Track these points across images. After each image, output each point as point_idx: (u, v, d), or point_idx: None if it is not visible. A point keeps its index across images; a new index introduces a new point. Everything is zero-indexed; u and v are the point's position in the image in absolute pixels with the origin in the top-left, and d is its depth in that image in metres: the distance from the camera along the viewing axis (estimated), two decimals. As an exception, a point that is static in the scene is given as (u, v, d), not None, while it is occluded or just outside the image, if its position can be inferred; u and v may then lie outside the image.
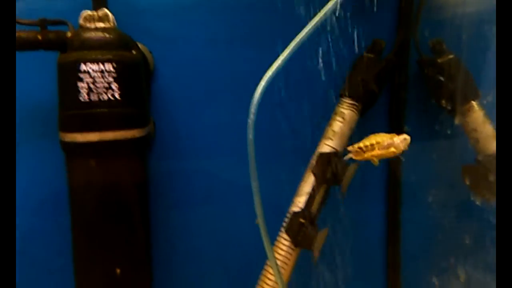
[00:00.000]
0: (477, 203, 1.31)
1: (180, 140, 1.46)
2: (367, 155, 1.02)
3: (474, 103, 1.33)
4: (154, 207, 1.35)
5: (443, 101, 1.34)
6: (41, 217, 1.34)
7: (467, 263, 1.36)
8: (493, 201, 1.23)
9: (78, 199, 1.18)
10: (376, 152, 1.00)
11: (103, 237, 1.18)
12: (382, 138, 1.00)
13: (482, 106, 1.33)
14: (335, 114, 1.39)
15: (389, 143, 0.97)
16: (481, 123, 1.33)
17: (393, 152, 0.98)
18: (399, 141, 0.97)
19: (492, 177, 1.28)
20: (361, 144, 1.06)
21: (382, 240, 1.51)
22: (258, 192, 1.28)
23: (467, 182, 1.35)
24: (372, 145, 1.01)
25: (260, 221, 1.28)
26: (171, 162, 1.44)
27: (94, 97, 1.09)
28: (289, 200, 1.36)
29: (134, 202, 1.22)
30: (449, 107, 1.33)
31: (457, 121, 1.32)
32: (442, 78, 1.33)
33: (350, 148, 1.13)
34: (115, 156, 1.16)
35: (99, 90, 1.10)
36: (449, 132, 1.40)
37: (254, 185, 1.27)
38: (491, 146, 1.32)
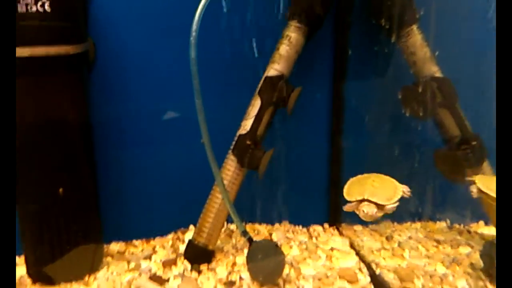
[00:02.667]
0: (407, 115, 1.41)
1: (123, 61, 1.41)
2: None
3: (413, 26, 1.37)
4: (99, 132, 1.32)
5: (382, 20, 1.37)
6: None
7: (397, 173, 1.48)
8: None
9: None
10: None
11: (41, 158, 1.14)
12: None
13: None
14: (282, 37, 1.38)
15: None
16: (419, 46, 1.38)
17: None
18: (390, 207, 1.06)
19: (427, 98, 1.37)
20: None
21: (325, 159, 1.58)
22: (202, 110, 1.28)
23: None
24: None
25: (205, 139, 1.30)
26: (114, 85, 1.40)
27: (21, 8, 1.00)
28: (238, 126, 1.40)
29: (73, 123, 1.18)
30: (387, 26, 1.36)
31: (393, 39, 1.37)
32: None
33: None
34: (49, 74, 1.10)
35: (27, 1, 1.01)
36: (387, 51, 1.45)
37: (198, 102, 1.26)
38: (428, 68, 1.38)
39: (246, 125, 1.38)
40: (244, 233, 1.25)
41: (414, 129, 1.52)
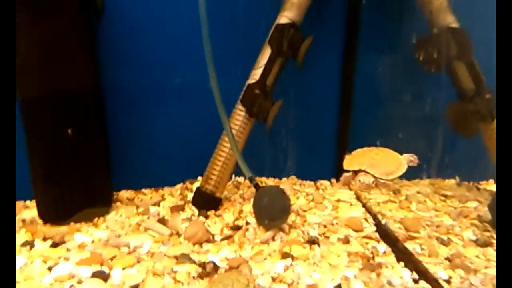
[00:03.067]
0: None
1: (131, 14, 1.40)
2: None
3: (430, -26, 1.33)
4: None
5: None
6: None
7: (408, 128, 1.46)
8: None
9: (22, 60, 1.12)
10: None
11: (48, 97, 1.15)
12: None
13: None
14: (294, -15, 1.35)
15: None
16: (435, -5, 1.34)
17: None
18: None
19: (442, 49, 1.33)
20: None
21: (334, 111, 1.56)
22: (211, 54, 1.27)
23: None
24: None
25: (213, 83, 1.29)
26: (124, 32, 1.39)
27: None
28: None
29: (81, 64, 1.18)
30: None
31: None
32: None
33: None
34: (56, 10, 1.09)
35: None
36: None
37: (206, 45, 1.25)
38: (444, 18, 1.34)
39: (256, 74, 1.37)
40: (251, 179, 1.26)
41: (427, 82, 1.50)
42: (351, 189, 1.52)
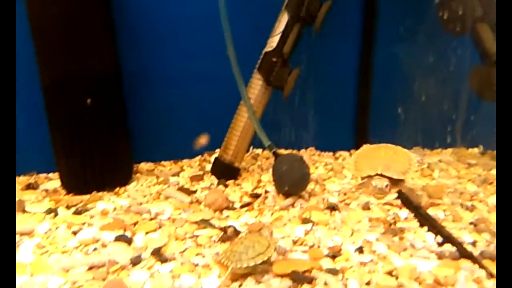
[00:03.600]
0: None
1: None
2: None
3: None
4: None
5: None
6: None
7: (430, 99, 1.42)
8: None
9: (38, 27, 1.14)
10: None
11: (67, 64, 1.16)
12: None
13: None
14: None
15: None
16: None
17: None
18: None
19: (467, 9, 1.28)
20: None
21: (354, 81, 1.54)
22: (227, 19, 1.26)
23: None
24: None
25: (230, 52, 1.28)
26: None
27: None
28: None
29: (99, 31, 1.18)
30: None
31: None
32: None
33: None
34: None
35: None
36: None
37: (222, 11, 1.23)
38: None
39: (273, 42, 1.34)
40: (270, 147, 1.25)
41: (450, 45, 1.45)
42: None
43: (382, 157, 0.89)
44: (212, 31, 1.34)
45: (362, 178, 0.87)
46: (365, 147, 0.95)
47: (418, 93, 1.47)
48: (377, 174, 0.87)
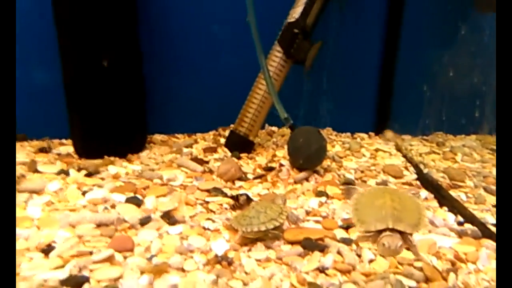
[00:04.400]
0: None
1: None
2: None
3: None
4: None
5: None
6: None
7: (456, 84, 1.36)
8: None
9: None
10: None
11: (84, 27, 1.13)
12: None
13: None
14: None
15: None
16: None
17: None
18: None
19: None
20: None
21: (377, 63, 1.48)
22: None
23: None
24: None
25: (251, 18, 1.25)
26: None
27: None
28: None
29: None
30: None
31: None
32: None
33: None
34: None
35: None
36: None
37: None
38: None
39: (295, 13, 1.30)
40: (287, 120, 1.22)
41: (478, 24, 1.38)
42: (390, 140, 1.46)
43: (389, 206, 0.69)
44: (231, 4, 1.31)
45: (368, 232, 0.66)
46: (365, 191, 0.76)
47: (444, 78, 1.41)
48: (387, 229, 0.65)
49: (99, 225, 0.88)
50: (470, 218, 0.95)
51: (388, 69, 1.48)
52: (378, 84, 1.51)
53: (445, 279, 0.74)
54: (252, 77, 1.31)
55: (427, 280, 0.74)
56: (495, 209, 1.00)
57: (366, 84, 1.51)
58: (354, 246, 0.82)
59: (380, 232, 0.62)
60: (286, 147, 1.22)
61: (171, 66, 1.45)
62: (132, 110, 1.28)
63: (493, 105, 1.46)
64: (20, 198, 0.98)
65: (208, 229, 0.89)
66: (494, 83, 1.40)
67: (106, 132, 1.24)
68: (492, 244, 0.83)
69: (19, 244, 0.80)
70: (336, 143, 1.41)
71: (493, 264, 0.78)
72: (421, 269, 0.75)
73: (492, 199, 1.05)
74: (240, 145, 1.31)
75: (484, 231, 0.89)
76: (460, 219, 0.95)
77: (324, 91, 1.50)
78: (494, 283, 0.74)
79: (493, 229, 0.90)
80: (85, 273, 0.73)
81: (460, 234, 0.88)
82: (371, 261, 0.78)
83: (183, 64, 1.45)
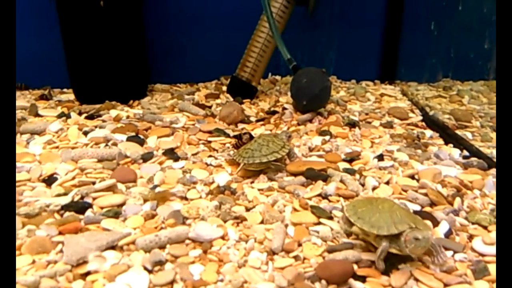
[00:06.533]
0: None
1: None
2: None
3: None
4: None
5: None
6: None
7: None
8: None
9: None
10: None
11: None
12: None
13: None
14: None
15: None
16: None
17: None
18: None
19: None
20: None
21: (383, 5, 1.43)
22: None
23: None
24: None
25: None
26: None
27: None
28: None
29: None
30: None
31: None
32: None
33: None
34: None
35: None
36: None
37: None
38: None
39: (298, -49, 1.26)
40: (290, 61, 1.18)
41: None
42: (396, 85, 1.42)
43: (396, 208, 0.61)
44: None
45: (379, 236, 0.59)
46: (351, 202, 0.69)
47: (450, 23, 1.36)
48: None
49: (100, 160, 0.87)
50: (475, 152, 0.94)
51: (395, 15, 1.43)
52: (384, 29, 1.46)
53: (450, 203, 0.73)
54: (254, 23, 1.27)
55: (432, 204, 0.73)
56: (502, 145, 0.99)
57: (371, 28, 1.45)
58: (357, 176, 0.81)
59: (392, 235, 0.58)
60: (289, 86, 1.20)
61: (173, 15, 1.41)
62: (132, 54, 1.25)
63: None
64: (21, 138, 0.98)
65: (211, 165, 0.89)
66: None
67: (106, 77, 1.22)
68: (498, 173, 0.83)
69: (21, 176, 0.80)
70: (340, 89, 1.39)
71: (499, 190, 0.77)
72: (425, 194, 0.74)
73: (499, 137, 1.03)
74: (243, 90, 1.29)
75: (490, 164, 0.88)
76: (466, 153, 0.94)
77: (328, 38, 1.46)
78: (499, 207, 0.73)
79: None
80: (88, 200, 0.74)
81: (466, 166, 0.87)
82: (374, 188, 0.77)
83: (184, 13, 1.41)
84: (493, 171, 0.83)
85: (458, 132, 1.08)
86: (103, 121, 1.09)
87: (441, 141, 1.01)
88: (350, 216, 0.63)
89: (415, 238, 0.57)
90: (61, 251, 0.61)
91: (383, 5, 1.42)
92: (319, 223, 0.68)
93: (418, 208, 0.72)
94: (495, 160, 0.90)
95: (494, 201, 0.74)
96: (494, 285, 0.56)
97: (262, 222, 0.69)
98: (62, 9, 1.17)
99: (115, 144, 0.95)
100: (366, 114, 1.17)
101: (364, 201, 0.65)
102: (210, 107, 1.22)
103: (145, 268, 0.58)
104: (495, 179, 0.80)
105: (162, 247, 0.62)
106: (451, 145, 0.99)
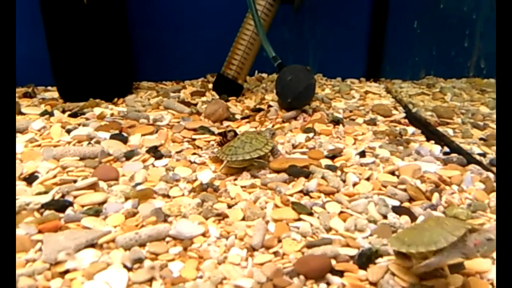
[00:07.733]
0: None
1: None
2: None
3: None
4: None
5: None
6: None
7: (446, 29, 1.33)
8: None
9: None
10: None
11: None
12: None
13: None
14: None
15: None
16: None
17: None
18: None
19: None
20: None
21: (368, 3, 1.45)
22: None
23: None
24: None
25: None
26: None
27: None
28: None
29: None
30: None
31: None
32: None
33: None
34: None
35: None
36: None
37: None
38: None
39: (282, -51, 1.26)
40: (275, 58, 1.19)
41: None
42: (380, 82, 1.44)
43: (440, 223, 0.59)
44: None
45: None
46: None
47: (435, 21, 1.38)
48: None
49: (83, 158, 0.87)
50: (456, 149, 0.96)
51: (380, 12, 1.44)
52: (369, 28, 1.47)
53: (428, 199, 0.75)
54: (240, 21, 1.27)
55: (411, 199, 0.75)
56: (481, 142, 1.00)
57: (357, 26, 1.47)
58: (339, 172, 0.82)
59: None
60: (274, 84, 1.20)
61: (159, 12, 1.40)
62: (116, 52, 1.24)
63: (483, 48, 1.44)
64: (3, 137, 0.97)
65: (194, 162, 0.89)
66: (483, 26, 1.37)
67: (90, 74, 1.21)
68: (477, 168, 0.84)
69: None
70: (326, 86, 1.40)
71: (477, 185, 0.79)
72: (404, 190, 0.76)
73: (479, 134, 1.05)
74: (229, 88, 1.29)
75: (469, 159, 0.90)
76: (446, 150, 0.95)
77: (313, 36, 1.47)
78: (477, 202, 0.74)
79: (479, 158, 0.91)
80: (69, 198, 0.73)
81: (446, 162, 0.89)
82: (355, 184, 0.78)
83: (171, 10, 1.41)
84: (472, 166, 0.85)
85: (440, 128, 1.09)
86: (87, 119, 1.08)
87: (423, 138, 1.03)
88: (399, 248, 0.57)
89: (488, 239, 0.54)
90: (40, 249, 0.60)
91: (368, 4, 1.43)
92: (299, 219, 0.69)
93: (397, 203, 0.73)
94: (474, 156, 0.92)
95: (471, 196, 0.76)
96: (469, 278, 0.58)
97: (243, 219, 0.69)
98: (46, 6, 1.16)
99: (98, 142, 0.94)
100: (350, 111, 1.18)
101: (406, 230, 0.61)
102: (195, 104, 1.22)
103: (125, 266, 0.58)
104: (473, 175, 0.82)
105: (142, 245, 0.62)
106: (433, 141, 1.00)
